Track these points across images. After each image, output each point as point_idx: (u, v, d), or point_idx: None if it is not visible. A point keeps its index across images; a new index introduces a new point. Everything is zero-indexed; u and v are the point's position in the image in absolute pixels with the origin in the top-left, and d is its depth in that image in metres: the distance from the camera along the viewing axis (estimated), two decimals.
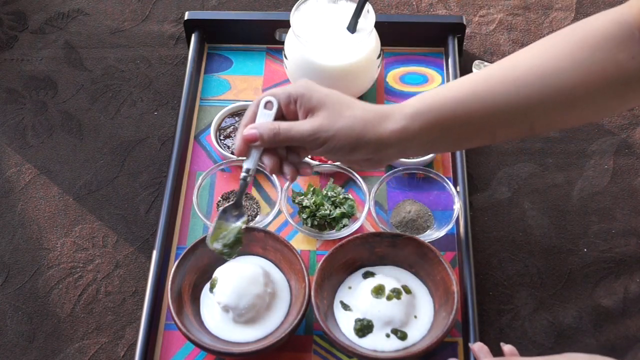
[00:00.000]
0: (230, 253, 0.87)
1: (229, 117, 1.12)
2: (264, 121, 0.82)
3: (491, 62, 1.21)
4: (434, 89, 0.84)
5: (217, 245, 0.87)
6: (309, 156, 1.07)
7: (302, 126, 0.80)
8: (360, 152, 0.81)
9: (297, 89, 0.82)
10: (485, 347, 0.86)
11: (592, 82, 0.78)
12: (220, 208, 0.90)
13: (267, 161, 0.84)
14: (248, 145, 0.83)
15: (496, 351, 0.86)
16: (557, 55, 0.79)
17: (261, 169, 1.05)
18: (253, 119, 0.83)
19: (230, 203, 0.91)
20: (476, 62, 1.19)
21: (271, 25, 1.21)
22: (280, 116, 0.83)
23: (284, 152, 0.84)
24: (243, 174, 0.84)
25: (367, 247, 0.98)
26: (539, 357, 0.78)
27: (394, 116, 0.80)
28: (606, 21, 0.79)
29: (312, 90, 0.82)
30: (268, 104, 0.83)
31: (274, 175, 1.04)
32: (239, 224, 0.88)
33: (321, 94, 0.81)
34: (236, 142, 0.84)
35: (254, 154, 0.83)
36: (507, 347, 0.85)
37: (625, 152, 1.12)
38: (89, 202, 1.09)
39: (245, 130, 0.82)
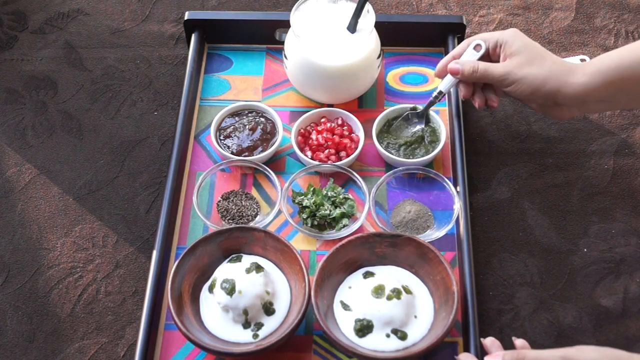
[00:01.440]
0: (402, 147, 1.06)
1: (229, 117, 1.12)
2: (469, 59, 1.00)
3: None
4: (616, 50, 0.94)
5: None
6: (310, 156, 1.07)
7: (496, 69, 0.97)
8: (541, 99, 0.97)
9: (504, 36, 0.98)
10: (497, 342, 0.87)
11: None
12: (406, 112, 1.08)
13: (463, 88, 1.02)
14: (449, 73, 1.02)
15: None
16: None
17: (259, 168, 1.06)
18: (460, 54, 1.01)
19: (416, 111, 1.08)
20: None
21: (271, 25, 1.21)
22: (486, 56, 1.00)
23: (481, 84, 1.03)
24: (435, 94, 1.05)
25: (367, 247, 0.98)
26: (551, 350, 0.79)
27: (576, 72, 0.93)
28: None
29: (516, 38, 0.97)
30: (477, 47, 1.00)
31: (274, 175, 1.05)
32: (418, 128, 1.08)
33: (522, 43, 0.96)
34: (439, 65, 1.03)
35: (450, 81, 1.03)
36: (519, 341, 0.86)
37: (625, 152, 1.12)
38: (89, 202, 1.09)
39: (451, 63, 1.00)
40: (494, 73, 0.97)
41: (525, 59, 0.96)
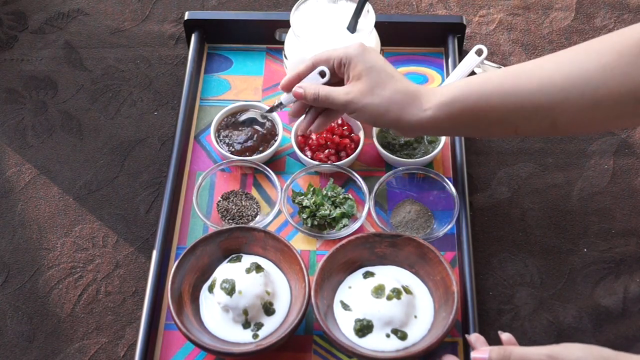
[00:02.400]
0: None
1: (229, 117, 1.12)
2: (310, 83, 0.96)
3: (491, 62, 1.21)
4: (462, 80, 0.91)
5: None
6: (310, 156, 1.07)
7: (337, 96, 0.93)
8: (382, 125, 0.99)
9: (349, 54, 0.93)
10: (482, 338, 0.87)
11: (617, 84, 0.80)
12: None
13: (295, 106, 1.00)
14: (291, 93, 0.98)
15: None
16: (585, 58, 0.83)
17: (259, 168, 1.06)
18: (305, 74, 0.97)
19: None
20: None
21: (271, 25, 1.21)
22: (333, 74, 0.97)
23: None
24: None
25: (367, 247, 0.98)
26: (537, 347, 0.79)
27: (420, 103, 0.90)
28: (637, 31, 0.80)
29: (359, 59, 0.93)
30: (322, 72, 0.97)
31: (274, 175, 1.05)
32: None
33: (366, 65, 0.92)
34: (284, 80, 0.99)
35: (292, 97, 1.00)
36: (505, 336, 0.86)
37: (625, 152, 1.12)
38: (89, 202, 1.09)
39: (295, 87, 0.97)
40: (335, 101, 0.94)
41: (366, 85, 0.92)
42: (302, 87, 0.96)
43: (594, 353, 0.77)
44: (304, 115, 1.01)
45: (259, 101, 1.16)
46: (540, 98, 0.84)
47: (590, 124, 0.87)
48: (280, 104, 1.02)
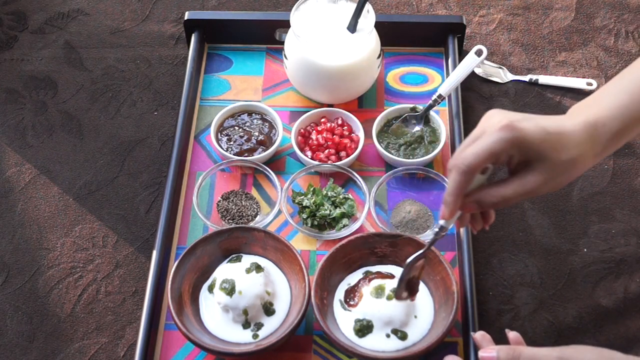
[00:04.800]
0: None
1: (229, 118, 1.12)
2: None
3: (491, 62, 1.21)
4: (615, 98, 0.78)
5: None
6: (310, 156, 1.07)
7: (527, 184, 0.76)
8: (571, 179, 0.79)
9: (512, 143, 0.75)
10: (488, 336, 0.86)
11: None
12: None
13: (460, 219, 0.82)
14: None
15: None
16: None
17: (259, 168, 1.06)
18: (465, 188, 0.77)
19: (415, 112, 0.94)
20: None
21: (271, 25, 1.21)
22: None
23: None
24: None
25: (367, 247, 0.98)
26: (545, 348, 0.79)
27: (594, 143, 0.77)
28: None
29: (526, 141, 0.75)
30: (484, 169, 0.78)
31: (274, 175, 1.04)
32: (417, 129, 1.01)
33: (537, 143, 0.74)
34: (448, 208, 0.79)
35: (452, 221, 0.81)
36: (512, 334, 0.85)
37: (625, 152, 1.12)
38: (89, 202, 1.09)
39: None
40: (528, 190, 0.77)
41: (555, 164, 0.76)
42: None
43: (605, 356, 0.77)
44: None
45: (259, 101, 1.16)
46: None
47: None
48: (442, 227, 0.83)
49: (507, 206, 0.83)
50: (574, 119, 0.78)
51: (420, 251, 0.88)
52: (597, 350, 0.78)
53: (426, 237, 1.01)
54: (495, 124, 0.75)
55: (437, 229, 0.83)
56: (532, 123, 0.75)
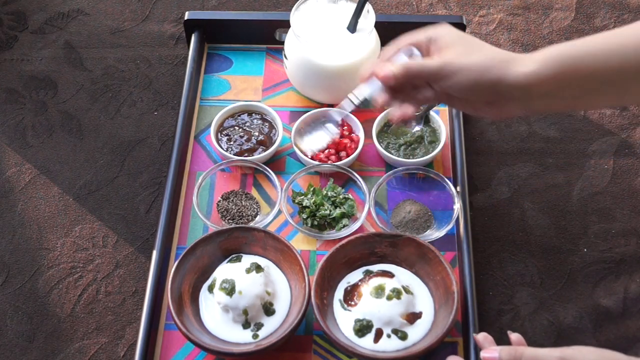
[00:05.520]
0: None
1: (229, 118, 1.12)
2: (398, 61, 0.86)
3: None
4: (568, 42, 0.82)
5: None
6: (310, 156, 1.07)
7: (430, 62, 0.84)
8: (482, 91, 0.82)
9: (436, 31, 0.85)
10: (490, 337, 0.86)
11: None
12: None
13: (384, 95, 0.87)
14: (375, 78, 0.86)
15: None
16: None
17: (259, 168, 1.06)
18: (389, 57, 0.87)
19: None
20: None
21: (271, 25, 1.21)
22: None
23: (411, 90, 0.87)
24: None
25: (367, 247, 0.98)
26: (546, 348, 0.79)
27: (523, 60, 0.81)
28: None
29: (447, 32, 0.85)
30: (409, 53, 0.87)
31: (274, 175, 1.04)
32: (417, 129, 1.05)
33: (456, 35, 0.85)
34: (365, 69, 0.87)
35: (374, 87, 0.87)
36: (514, 336, 0.85)
37: (625, 152, 1.12)
38: (89, 202, 1.09)
39: (383, 68, 0.85)
40: (430, 66, 0.83)
41: (462, 49, 0.83)
42: (390, 66, 0.85)
43: (606, 356, 0.77)
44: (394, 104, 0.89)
45: (259, 101, 1.16)
46: None
47: None
48: (365, 99, 0.89)
49: (411, 77, 0.85)
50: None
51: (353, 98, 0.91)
52: (599, 351, 0.78)
53: (426, 236, 1.01)
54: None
55: (359, 100, 0.90)
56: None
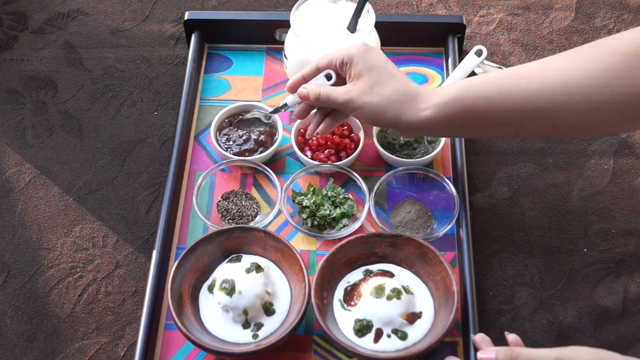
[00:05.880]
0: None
1: (229, 117, 1.12)
2: (314, 84, 0.97)
3: (491, 62, 1.21)
4: (463, 81, 0.91)
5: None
6: (310, 156, 1.07)
7: (338, 95, 0.94)
8: (381, 124, 1.00)
9: (351, 53, 0.94)
10: (487, 338, 0.87)
11: (620, 87, 0.79)
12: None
13: (299, 108, 1.01)
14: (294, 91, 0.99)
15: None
16: (588, 59, 0.82)
17: (259, 168, 1.06)
18: (311, 77, 0.98)
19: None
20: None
21: (271, 25, 1.21)
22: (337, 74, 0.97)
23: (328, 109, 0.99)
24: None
25: (367, 247, 0.98)
26: (543, 349, 0.79)
27: (419, 102, 0.90)
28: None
29: (360, 58, 0.93)
30: (328, 75, 0.97)
31: (274, 175, 1.04)
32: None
33: (367, 64, 0.93)
34: (290, 82, 1.00)
35: (297, 98, 0.99)
36: (511, 337, 0.86)
37: (625, 152, 1.12)
38: (89, 202, 1.09)
39: (300, 88, 0.97)
40: (336, 100, 0.94)
41: (366, 84, 0.92)
42: (305, 88, 0.97)
43: (602, 356, 0.77)
44: (313, 119, 1.01)
45: (259, 101, 1.16)
46: (541, 100, 0.83)
47: (592, 127, 0.86)
48: (285, 105, 1.02)
49: (322, 104, 0.96)
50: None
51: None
52: (595, 351, 0.78)
53: (426, 236, 1.01)
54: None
55: (282, 103, 1.03)
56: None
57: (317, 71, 0.98)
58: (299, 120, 1.10)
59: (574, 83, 0.82)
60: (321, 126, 0.99)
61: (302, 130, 1.11)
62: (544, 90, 0.83)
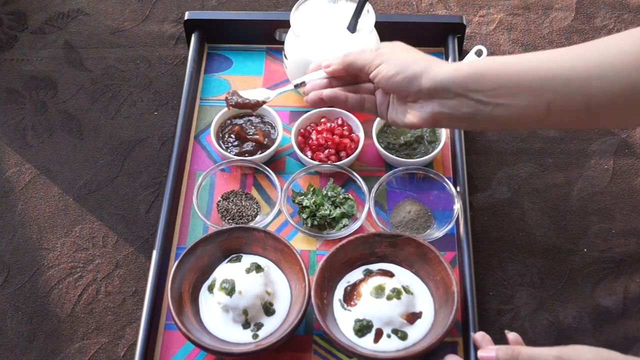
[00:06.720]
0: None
1: (229, 117, 1.12)
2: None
3: None
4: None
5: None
6: (310, 156, 1.07)
7: (366, 53, 0.93)
8: (403, 83, 0.89)
9: (384, 44, 0.95)
10: (487, 336, 0.87)
11: None
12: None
13: (313, 94, 0.97)
14: (319, 68, 0.97)
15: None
16: (619, 38, 0.78)
17: (259, 168, 1.06)
18: (339, 68, 0.95)
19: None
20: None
21: (271, 25, 1.21)
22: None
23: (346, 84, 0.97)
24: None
25: (367, 247, 0.98)
26: (544, 348, 0.79)
27: (445, 63, 0.88)
28: None
29: (392, 43, 0.95)
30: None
31: (274, 175, 1.04)
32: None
33: (397, 43, 0.95)
34: (311, 66, 0.98)
35: (315, 75, 0.97)
36: (511, 335, 0.86)
37: (625, 152, 1.12)
38: (89, 202, 1.09)
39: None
40: (364, 56, 0.93)
41: (398, 48, 0.94)
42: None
43: (603, 356, 0.77)
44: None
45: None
46: (573, 73, 0.78)
47: (626, 112, 0.79)
48: (303, 82, 0.99)
49: (348, 64, 0.94)
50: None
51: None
52: (596, 350, 0.78)
53: (426, 236, 1.01)
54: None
55: (298, 82, 0.99)
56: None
57: (340, 67, 0.96)
58: (299, 120, 1.10)
59: (607, 58, 0.77)
60: (329, 90, 0.96)
61: (302, 130, 1.11)
62: (574, 63, 0.78)
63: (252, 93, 1.03)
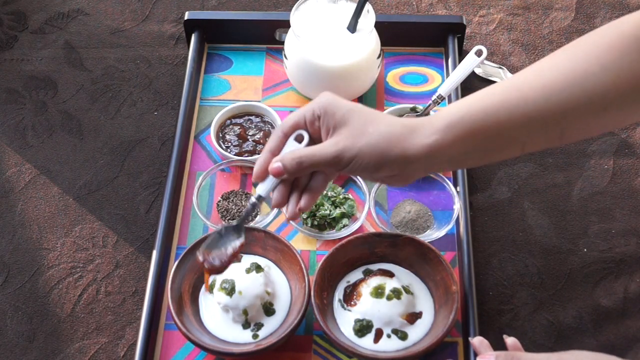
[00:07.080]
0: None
1: (229, 117, 1.12)
2: (289, 152, 0.79)
3: (491, 62, 1.21)
4: (460, 100, 0.79)
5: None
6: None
7: (324, 150, 0.77)
8: (385, 169, 0.77)
9: (320, 105, 0.78)
10: (486, 341, 0.86)
11: (623, 84, 0.76)
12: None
13: (276, 194, 0.81)
14: (270, 174, 0.80)
15: (497, 348, 0.85)
16: (584, 59, 0.78)
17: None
18: (279, 148, 0.80)
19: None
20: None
21: (271, 25, 1.21)
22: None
23: (305, 180, 0.82)
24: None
25: (367, 247, 0.98)
26: (543, 354, 0.79)
27: (423, 130, 0.77)
28: (632, 24, 0.78)
29: (335, 106, 0.78)
30: (299, 136, 0.80)
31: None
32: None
33: (343, 110, 0.78)
34: (256, 169, 0.81)
35: (270, 182, 0.80)
36: (510, 340, 0.85)
37: (625, 152, 1.12)
38: (89, 202, 1.09)
39: (271, 165, 0.79)
40: (325, 156, 0.77)
41: (354, 128, 0.77)
42: (278, 162, 0.78)
43: None
44: (290, 199, 0.82)
45: (258, 101, 1.16)
46: (549, 108, 0.77)
47: (599, 128, 0.81)
48: (260, 197, 0.82)
49: (305, 170, 0.79)
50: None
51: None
52: (595, 356, 0.77)
53: (426, 236, 1.01)
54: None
55: (254, 199, 0.82)
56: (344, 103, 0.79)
57: (284, 138, 0.81)
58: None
59: (577, 86, 0.77)
60: (303, 200, 0.81)
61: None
62: (549, 98, 0.77)
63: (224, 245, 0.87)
